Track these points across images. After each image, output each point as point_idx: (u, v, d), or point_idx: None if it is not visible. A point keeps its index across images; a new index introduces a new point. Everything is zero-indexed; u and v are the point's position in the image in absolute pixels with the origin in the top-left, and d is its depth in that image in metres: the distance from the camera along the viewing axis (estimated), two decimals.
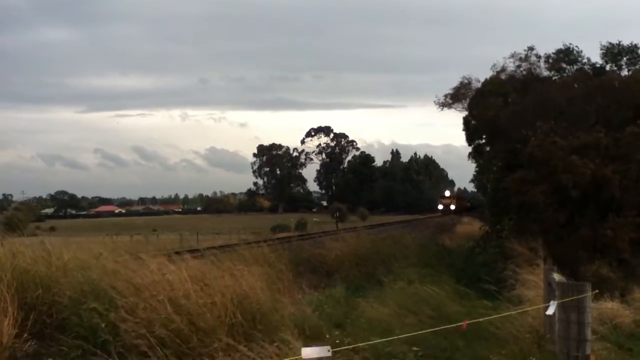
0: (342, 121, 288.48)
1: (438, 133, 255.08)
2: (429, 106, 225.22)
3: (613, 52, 26.87)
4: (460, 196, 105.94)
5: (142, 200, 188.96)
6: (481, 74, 31.06)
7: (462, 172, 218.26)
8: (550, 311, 6.17)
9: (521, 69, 27.45)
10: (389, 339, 6.12)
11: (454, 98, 31.84)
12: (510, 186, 16.31)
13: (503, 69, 28.03)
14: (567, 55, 27.12)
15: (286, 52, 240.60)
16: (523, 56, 27.29)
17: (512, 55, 27.75)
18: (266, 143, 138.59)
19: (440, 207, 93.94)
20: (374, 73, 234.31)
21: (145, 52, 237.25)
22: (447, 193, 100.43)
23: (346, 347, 5.33)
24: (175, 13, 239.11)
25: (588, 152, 15.45)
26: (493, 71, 28.57)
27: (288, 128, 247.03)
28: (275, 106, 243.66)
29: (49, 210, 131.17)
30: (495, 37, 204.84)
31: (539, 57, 27.14)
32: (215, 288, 7.31)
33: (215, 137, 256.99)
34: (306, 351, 3.54)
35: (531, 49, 27.23)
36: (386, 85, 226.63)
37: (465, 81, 31.02)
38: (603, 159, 15.35)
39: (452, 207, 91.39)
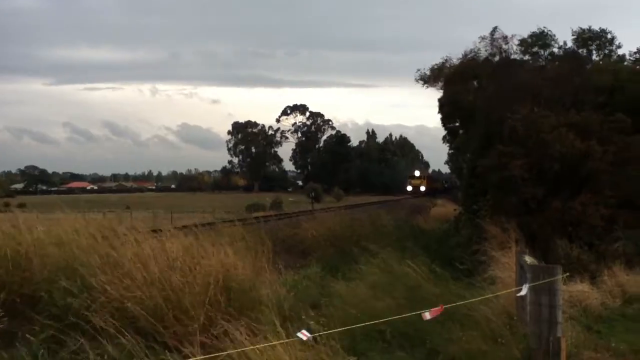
0: (316, 99, 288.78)
1: (411, 114, 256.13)
2: (404, 86, 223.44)
3: (584, 37, 27.28)
4: (432, 177, 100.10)
5: (114, 177, 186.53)
6: (459, 55, 31.06)
7: (436, 154, 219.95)
8: (523, 292, 6.27)
9: (494, 52, 27.61)
10: (366, 324, 6.16)
11: (435, 77, 31.88)
12: (489, 161, 16.39)
13: (476, 52, 28.15)
14: (540, 39, 27.37)
15: (260, 28, 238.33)
16: (489, 37, 27.47)
17: (483, 38, 27.92)
18: (240, 120, 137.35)
19: (409, 188, 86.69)
20: (349, 51, 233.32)
21: (116, 24, 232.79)
22: (417, 173, 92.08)
23: (327, 332, 5.35)
24: None
25: (572, 129, 15.66)
26: (464, 56, 28.69)
27: (262, 105, 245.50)
28: (249, 83, 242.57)
29: (19, 186, 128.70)
30: (472, 18, 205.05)
31: (505, 37, 27.31)
32: (194, 266, 7.28)
33: (188, 112, 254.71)
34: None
35: (495, 29, 27.42)
36: (361, 64, 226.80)
37: (446, 63, 31.08)
38: (584, 137, 15.57)
39: (422, 188, 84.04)
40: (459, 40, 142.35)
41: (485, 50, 27.94)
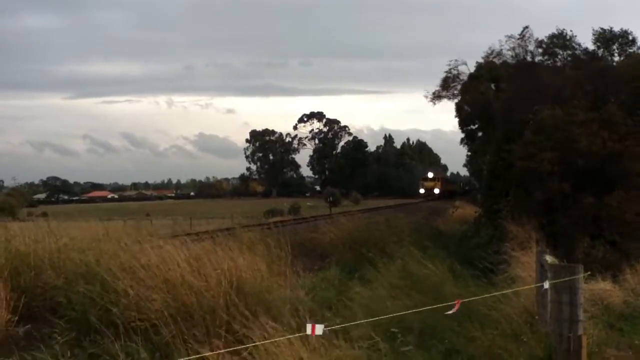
0: (330, 107, 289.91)
1: (427, 118, 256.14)
2: (417, 92, 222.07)
3: (605, 38, 26.99)
4: (447, 178, 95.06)
5: (134, 186, 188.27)
6: (470, 60, 31.04)
7: (454, 157, 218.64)
8: (546, 285, 6.22)
9: (515, 51, 27.48)
10: (382, 317, 6.14)
11: (443, 86, 31.89)
12: (517, 150, 16.17)
13: (499, 53, 28.04)
14: (560, 39, 27.17)
15: (273, 39, 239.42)
16: (518, 36, 27.31)
17: (510, 37, 27.76)
18: (256, 129, 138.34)
19: (422, 190, 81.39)
20: (362, 59, 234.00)
21: (130, 38, 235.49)
22: (430, 174, 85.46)
23: (341, 325, 5.36)
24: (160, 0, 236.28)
25: (602, 126, 15.48)
26: (487, 54, 28.57)
27: (277, 114, 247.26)
28: (263, 92, 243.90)
29: (41, 196, 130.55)
30: (483, 23, 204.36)
31: (535, 39, 27.17)
32: (213, 269, 7.33)
33: (204, 123, 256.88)
34: (309, 328, 3.98)
35: (526, 28, 27.25)
36: (374, 71, 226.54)
37: (454, 70, 31.07)
38: (615, 135, 15.38)
39: (437, 190, 78.71)
40: (472, 45, 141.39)
41: (509, 51, 27.87)
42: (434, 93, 32.73)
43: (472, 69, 30.62)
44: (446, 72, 31.68)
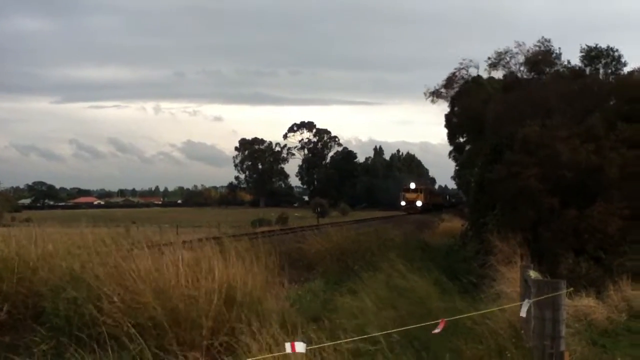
0: (319, 117, 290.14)
1: (415, 130, 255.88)
2: (406, 104, 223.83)
3: (591, 55, 27.45)
4: (432, 190, 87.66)
5: (121, 192, 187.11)
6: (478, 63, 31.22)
7: (441, 170, 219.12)
8: (522, 312, 6.24)
9: (506, 67, 27.86)
10: (367, 336, 6.14)
11: (447, 85, 32.00)
12: (499, 171, 16.32)
13: (493, 64, 28.34)
14: (546, 56, 27.59)
15: (262, 47, 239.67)
16: (503, 52, 27.71)
17: (500, 53, 28.13)
18: (244, 137, 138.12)
19: (403, 203, 73.76)
20: (351, 70, 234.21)
21: (121, 44, 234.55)
22: (413, 185, 76.68)
23: (325, 345, 5.34)
24: (151, 6, 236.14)
25: (584, 140, 15.66)
26: (494, 59, 28.82)
27: (265, 122, 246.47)
28: (251, 101, 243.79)
29: (26, 201, 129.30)
30: (473, 36, 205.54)
31: (527, 51, 27.58)
32: (199, 279, 7.30)
33: (192, 130, 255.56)
34: (287, 346, 3.85)
35: (521, 44, 27.66)
36: (363, 82, 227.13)
37: (464, 71, 31.18)
38: (597, 149, 15.57)
39: (419, 203, 71.36)
40: (463, 59, 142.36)
41: (501, 63, 28.22)
42: (433, 92, 32.83)
43: (481, 73, 30.80)
44: (455, 69, 31.83)
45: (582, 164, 15.12)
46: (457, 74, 31.94)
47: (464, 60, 31.63)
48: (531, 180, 15.26)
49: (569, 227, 14.87)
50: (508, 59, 28.13)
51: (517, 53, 28.29)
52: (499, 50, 28.81)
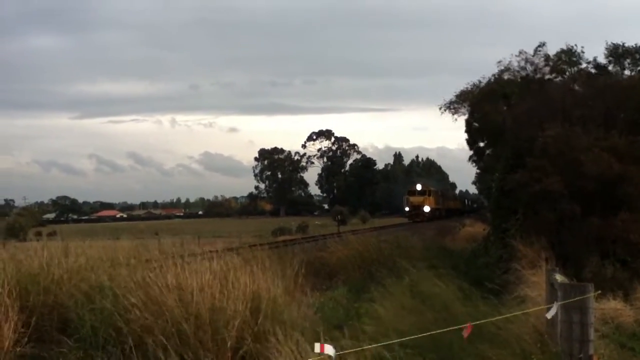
0: (334, 125, 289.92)
1: (432, 136, 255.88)
2: (422, 109, 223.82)
3: (617, 53, 26.93)
4: (445, 193, 74.82)
5: (143, 205, 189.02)
6: (475, 76, 31.19)
7: (459, 175, 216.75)
8: (549, 314, 6.17)
9: (526, 70, 27.55)
10: (390, 342, 6.11)
11: (461, 98, 31.86)
12: (521, 178, 16.18)
13: (507, 68, 28.06)
14: (569, 56, 27.19)
15: (276, 58, 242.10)
16: (532, 53, 27.42)
17: (520, 53, 27.84)
18: (261, 147, 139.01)
19: (407, 208, 62.32)
20: (365, 77, 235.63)
21: (136, 58, 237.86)
22: (419, 186, 64.17)
23: (352, 350, 5.33)
24: (163, 19, 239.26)
25: (606, 151, 15.46)
26: (500, 71, 28.58)
27: (282, 132, 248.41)
28: (267, 111, 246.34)
29: (51, 216, 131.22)
30: (487, 39, 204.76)
31: (547, 56, 27.27)
32: (222, 289, 7.34)
33: (208, 142, 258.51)
34: (316, 346, 3.93)
35: (542, 45, 27.37)
36: (377, 89, 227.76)
37: (474, 87, 31.11)
38: (620, 159, 15.35)
39: (427, 208, 59.18)
40: (478, 61, 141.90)
41: (519, 67, 27.95)
42: (448, 107, 32.72)
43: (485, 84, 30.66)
44: (467, 85, 31.75)
45: (604, 176, 14.93)
46: (469, 88, 31.83)
47: (470, 81, 31.62)
48: (555, 185, 15.12)
49: (590, 233, 14.73)
50: (523, 62, 27.80)
51: (514, 66, 27.98)
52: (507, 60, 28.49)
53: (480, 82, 30.52)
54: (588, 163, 14.94)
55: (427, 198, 60.77)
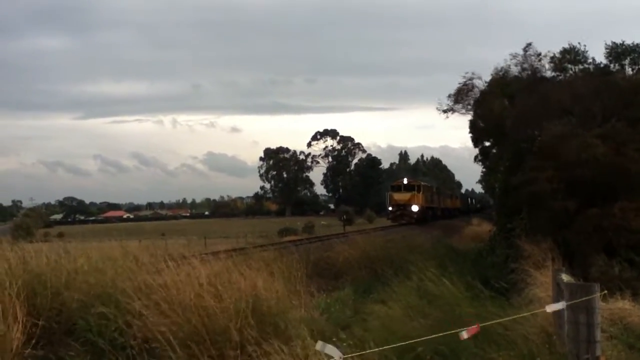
0: (337, 124, 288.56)
1: (434, 135, 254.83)
2: (425, 108, 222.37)
3: (617, 52, 26.87)
4: (439, 189, 62.04)
5: (150, 205, 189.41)
6: (485, 74, 30.91)
7: (465, 174, 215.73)
8: (549, 309, 6.15)
9: (525, 70, 27.43)
10: (398, 344, 6.10)
11: (456, 99, 31.75)
12: (520, 176, 16.20)
13: (506, 70, 28.00)
14: (572, 55, 27.10)
15: (277, 57, 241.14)
16: (522, 55, 27.33)
17: (514, 56, 27.77)
18: (265, 147, 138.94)
19: (390, 207, 51.03)
20: (367, 76, 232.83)
21: (136, 58, 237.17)
22: (405, 181, 52.39)
23: (358, 354, 5.32)
24: (165, 19, 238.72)
25: (602, 141, 15.43)
26: (498, 71, 28.51)
27: (285, 132, 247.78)
28: (269, 110, 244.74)
29: (58, 216, 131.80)
30: (491, 38, 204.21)
31: (538, 54, 27.15)
32: (226, 290, 7.34)
33: (211, 142, 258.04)
34: (319, 345, 3.75)
35: (529, 45, 27.26)
36: (380, 88, 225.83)
37: (469, 82, 30.95)
38: (617, 148, 15.32)
39: (415, 208, 48.49)
40: (481, 61, 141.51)
41: (516, 67, 27.82)
42: (448, 98, 32.55)
43: (486, 85, 30.53)
44: (460, 84, 31.58)
45: (600, 162, 14.88)
46: (463, 88, 31.63)
47: (466, 73, 31.40)
48: (545, 183, 15.12)
49: (590, 225, 14.68)
50: (524, 60, 27.66)
51: (512, 66, 27.84)
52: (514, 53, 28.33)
53: (472, 76, 30.37)
54: (582, 152, 14.92)
55: (415, 195, 49.23)
